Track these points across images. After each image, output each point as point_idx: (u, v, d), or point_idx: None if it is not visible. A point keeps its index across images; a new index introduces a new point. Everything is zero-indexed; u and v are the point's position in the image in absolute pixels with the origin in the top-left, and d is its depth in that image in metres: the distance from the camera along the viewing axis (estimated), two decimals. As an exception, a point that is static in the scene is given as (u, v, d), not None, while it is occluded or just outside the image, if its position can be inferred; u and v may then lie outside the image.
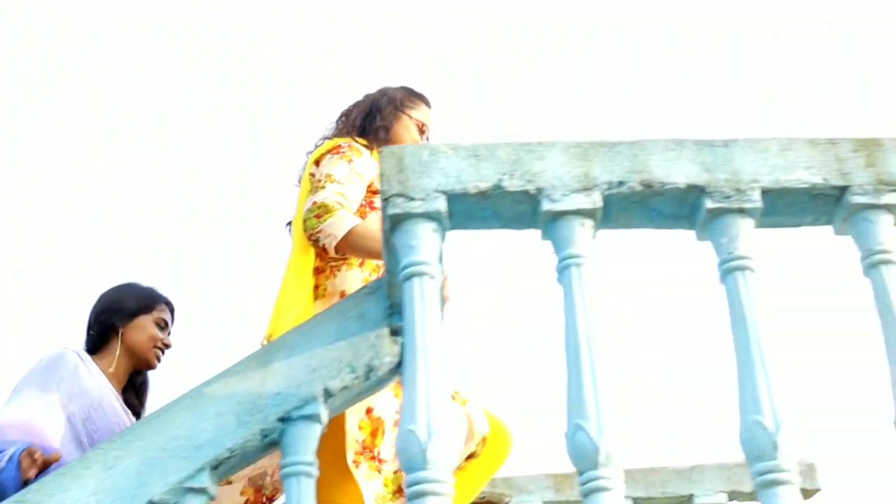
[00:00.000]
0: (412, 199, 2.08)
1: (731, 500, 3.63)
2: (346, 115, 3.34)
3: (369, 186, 3.09)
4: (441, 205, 2.08)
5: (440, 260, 2.11)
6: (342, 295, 3.00)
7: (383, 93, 3.36)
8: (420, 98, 3.40)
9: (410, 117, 3.32)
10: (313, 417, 2.23)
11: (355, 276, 3.05)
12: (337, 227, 2.90)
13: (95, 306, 3.35)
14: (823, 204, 2.18)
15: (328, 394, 2.25)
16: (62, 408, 3.05)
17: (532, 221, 2.13)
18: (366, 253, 2.96)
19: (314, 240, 2.93)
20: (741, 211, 2.12)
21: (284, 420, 2.22)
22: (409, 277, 2.05)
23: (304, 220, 2.95)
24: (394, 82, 3.51)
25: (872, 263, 2.12)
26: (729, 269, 2.08)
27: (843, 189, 2.16)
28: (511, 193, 2.10)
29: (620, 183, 2.11)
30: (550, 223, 2.10)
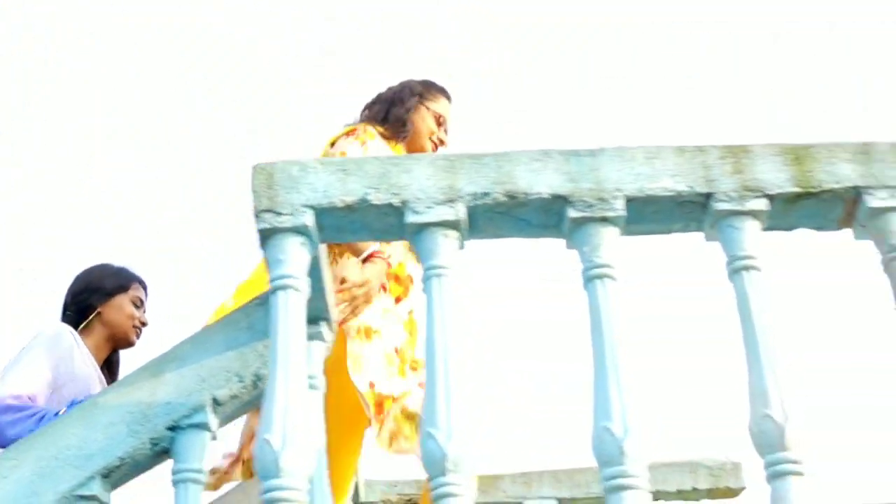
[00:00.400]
0: (280, 214, 2.14)
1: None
2: (370, 106, 3.44)
3: None
4: (308, 219, 2.14)
5: (309, 273, 2.16)
6: (342, 282, 3.07)
7: (405, 85, 3.46)
8: (440, 91, 3.48)
9: (429, 109, 3.42)
10: (202, 426, 2.31)
11: (354, 263, 3.12)
12: None
13: (72, 287, 3.45)
14: (691, 211, 2.21)
15: (217, 403, 2.32)
16: (54, 390, 3.15)
17: (401, 233, 2.18)
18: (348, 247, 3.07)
19: None
20: (604, 220, 2.15)
21: (174, 429, 2.30)
22: (275, 290, 2.11)
23: None
24: (394, 82, 3.58)
25: (735, 269, 2.15)
26: (590, 276, 2.12)
27: (708, 196, 2.18)
28: (377, 206, 2.15)
29: (485, 194, 2.16)
30: (416, 235, 2.15)
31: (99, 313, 3.38)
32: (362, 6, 8.99)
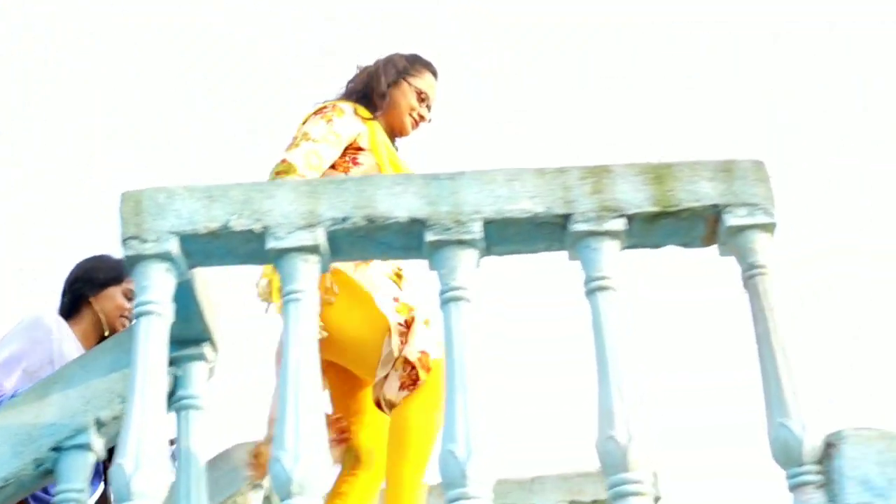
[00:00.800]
0: (145, 241, 2.19)
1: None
2: (353, 80, 3.39)
3: (352, 144, 3.15)
4: (173, 246, 2.19)
5: (177, 297, 2.22)
6: None
7: (389, 58, 3.39)
8: (426, 66, 3.39)
9: (410, 84, 3.33)
10: (84, 446, 2.37)
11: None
12: None
13: (69, 275, 3.53)
14: (551, 232, 2.24)
15: (100, 423, 2.38)
16: (30, 375, 3.22)
17: (266, 258, 2.22)
18: None
19: None
20: (461, 242, 2.19)
21: (57, 449, 2.36)
22: (138, 316, 2.16)
23: (269, 172, 3.05)
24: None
25: (591, 290, 2.17)
26: (446, 299, 2.16)
27: (567, 217, 2.21)
28: (239, 233, 2.20)
29: (345, 219, 2.20)
30: (277, 260, 2.19)
31: (89, 302, 3.46)
32: (362, 6, 9.04)
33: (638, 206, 2.22)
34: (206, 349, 2.46)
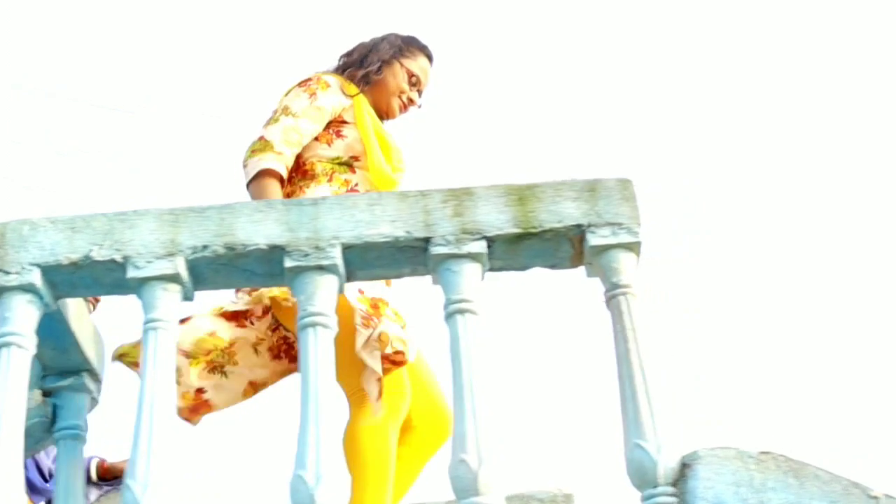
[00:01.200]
0: (8, 273, 2.19)
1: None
2: (348, 54, 3.31)
3: (337, 117, 3.08)
4: (35, 278, 2.19)
5: (46, 330, 2.22)
6: None
7: (385, 37, 3.31)
8: (421, 49, 3.31)
9: (402, 65, 3.24)
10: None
11: (324, 191, 3.04)
12: (255, 166, 2.95)
13: None
14: (413, 255, 2.23)
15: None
16: None
17: (129, 288, 2.23)
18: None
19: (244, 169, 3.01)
20: (320, 268, 2.18)
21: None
22: (1, 347, 2.17)
23: (246, 150, 3.01)
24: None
25: (449, 313, 2.16)
26: (303, 325, 2.15)
27: (427, 240, 2.20)
28: (101, 263, 2.20)
29: (205, 247, 2.20)
30: (138, 289, 2.20)
31: None
32: (363, 6, 9.08)
33: (499, 228, 2.21)
34: (86, 379, 2.46)
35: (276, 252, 2.20)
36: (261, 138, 3.00)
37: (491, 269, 2.27)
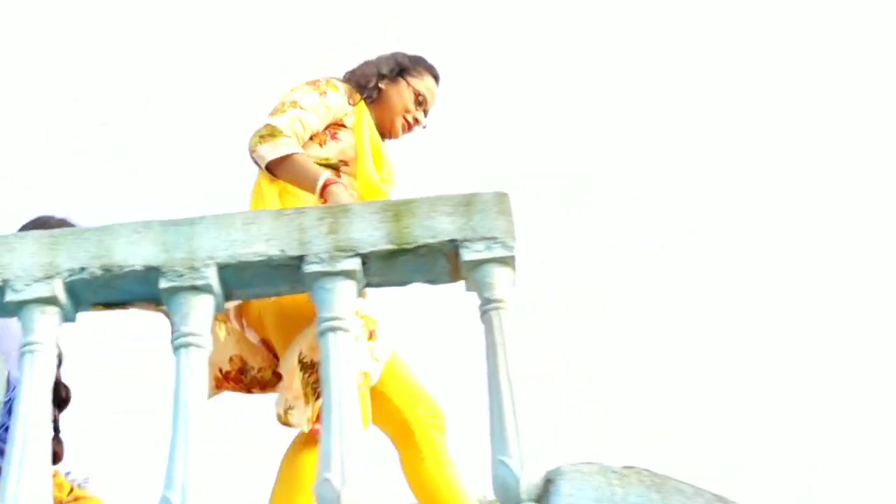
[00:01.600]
0: None
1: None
2: (354, 70, 3.29)
3: (338, 120, 3.08)
4: (-82, 303, 2.22)
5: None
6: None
7: (393, 55, 3.31)
8: (428, 69, 3.30)
9: (408, 84, 3.23)
10: None
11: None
12: (271, 150, 2.92)
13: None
14: (289, 273, 2.24)
15: None
16: None
17: (8, 311, 2.25)
18: (294, 180, 2.95)
19: (252, 158, 2.99)
20: (195, 288, 2.20)
21: None
22: None
23: (251, 137, 2.99)
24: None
25: (321, 330, 2.17)
26: (177, 346, 2.17)
27: (301, 258, 2.21)
28: (-19, 286, 2.23)
29: (82, 269, 2.22)
30: (18, 312, 2.22)
31: None
32: (363, 6, 9.09)
33: (373, 245, 2.22)
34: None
35: (151, 273, 2.21)
36: (267, 125, 2.98)
37: (369, 285, 2.28)
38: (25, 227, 3.51)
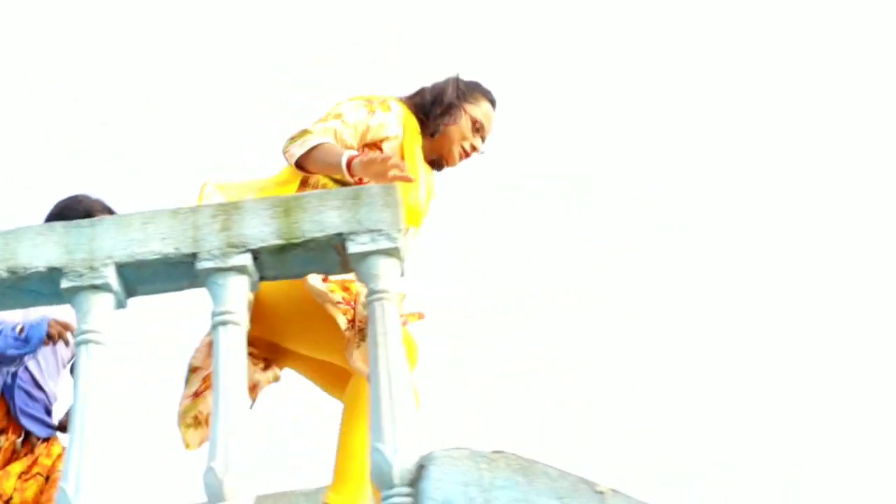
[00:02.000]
0: None
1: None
2: (419, 93, 3.25)
3: (376, 142, 3.02)
4: None
5: None
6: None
7: (449, 80, 3.26)
8: (484, 94, 3.28)
9: (465, 111, 3.19)
10: None
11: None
12: (299, 148, 2.90)
13: (50, 213, 3.63)
14: (186, 271, 2.33)
15: None
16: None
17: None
18: (323, 168, 2.91)
19: (285, 159, 2.95)
20: (94, 287, 2.30)
21: None
22: None
23: (285, 141, 2.95)
24: (397, 83, 3.50)
25: (214, 324, 2.26)
26: (78, 342, 2.28)
27: (195, 255, 2.30)
28: None
29: (-10, 271, 2.33)
30: (-67, 314, 2.35)
31: None
32: (364, 6, 9.13)
33: (263, 241, 2.30)
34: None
35: (54, 274, 2.32)
36: (302, 129, 2.96)
37: (263, 279, 2.36)
38: (63, 206, 3.61)
